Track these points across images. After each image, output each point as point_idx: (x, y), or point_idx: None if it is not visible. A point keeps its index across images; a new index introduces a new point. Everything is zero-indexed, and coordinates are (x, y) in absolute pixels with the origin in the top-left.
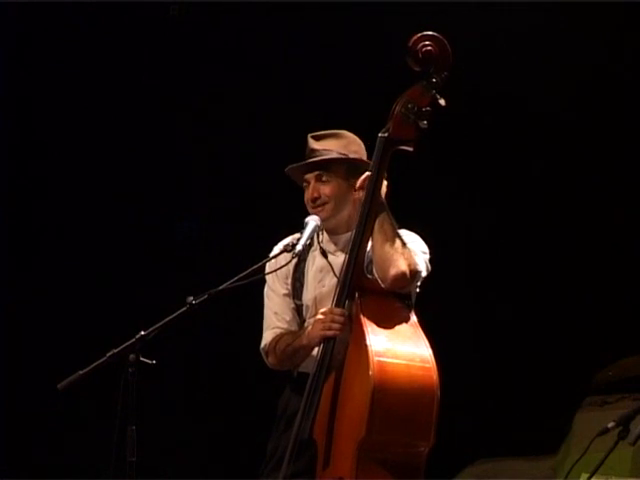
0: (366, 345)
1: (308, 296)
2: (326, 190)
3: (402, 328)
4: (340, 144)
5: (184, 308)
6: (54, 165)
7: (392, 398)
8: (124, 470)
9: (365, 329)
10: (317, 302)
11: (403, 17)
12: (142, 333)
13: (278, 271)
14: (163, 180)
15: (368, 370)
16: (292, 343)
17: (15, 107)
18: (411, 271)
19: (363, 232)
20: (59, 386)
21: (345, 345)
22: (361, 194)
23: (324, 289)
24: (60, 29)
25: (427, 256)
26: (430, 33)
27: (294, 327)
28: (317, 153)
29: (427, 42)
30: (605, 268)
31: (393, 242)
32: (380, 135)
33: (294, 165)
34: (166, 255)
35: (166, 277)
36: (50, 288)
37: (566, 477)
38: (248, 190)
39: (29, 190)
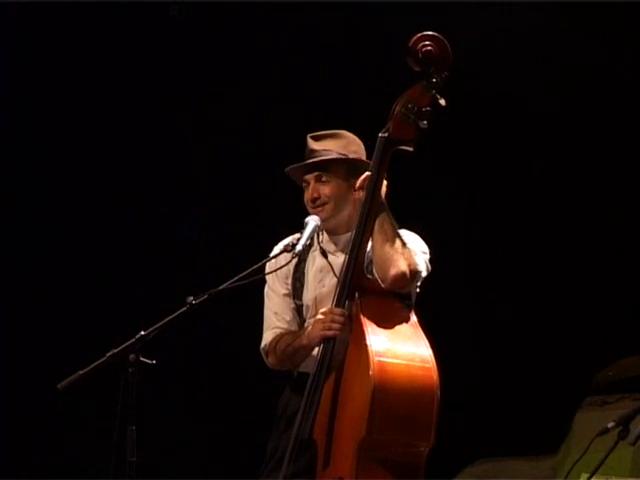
0: (366, 345)
1: (308, 296)
2: (326, 190)
3: (402, 328)
4: (340, 144)
5: (184, 308)
6: (54, 165)
7: (392, 398)
8: (124, 470)
9: (365, 329)
10: (317, 302)
11: (403, 17)
12: (142, 333)
13: (278, 271)
14: (163, 180)
15: (368, 370)
16: (292, 343)
17: (15, 107)
18: (411, 271)
19: (363, 232)
20: (59, 386)
21: (345, 345)
22: (361, 194)
23: (324, 289)
24: (60, 29)
25: (427, 256)
26: (430, 33)
27: (294, 327)
28: (317, 153)
29: (427, 42)
30: (605, 268)
31: (393, 242)
32: (380, 135)
33: (294, 166)
34: (166, 255)
35: (166, 277)
36: (50, 288)
37: (566, 477)
38: (248, 190)
39: (29, 190)
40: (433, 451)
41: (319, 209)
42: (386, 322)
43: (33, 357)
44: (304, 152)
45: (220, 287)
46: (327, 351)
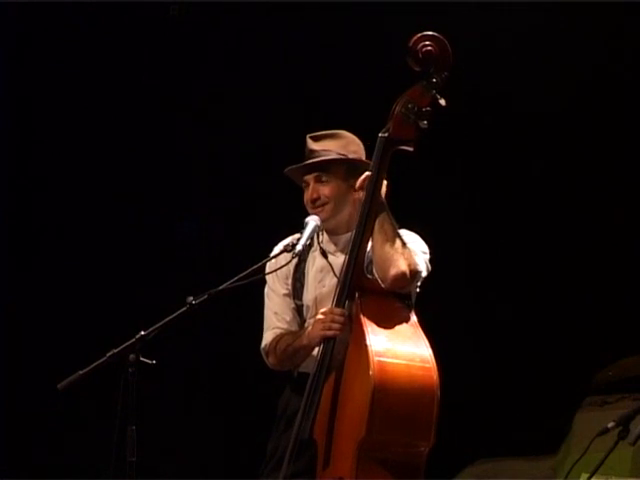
0: (366, 345)
1: (308, 296)
2: (325, 191)
3: (402, 328)
4: (339, 144)
5: (184, 308)
6: (54, 165)
7: (392, 398)
8: (124, 470)
9: (365, 329)
10: (317, 302)
11: (403, 17)
12: (142, 333)
13: (278, 271)
14: (163, 180)
15: (368, 370)
16: (292, 343)
17: (15, 107)
18: (411, 271)
19: (363, 232)
20: (59, 386)
21: (345, 345)
22: (361, 194)
23: (324, 289)
24: (60, 29)
25: (427, 256)
26: (430, 33)
27: (294, 327)
28: (316, 154)
29: (427, 42)
30: (605, 268)
31: (393, 242)
32: (380, 135)
33: (293, 167)
34: (166, 255)
35: (166, 277)
36: (50, 288)
37: (566, 477)
38: (248, 190)
39: (29, 190)
40: (433, 451)
41: (319, 209)
42: (386, 322)
43: (33, 357)
44: (304, 152)
45: (220, 287)
46: (327, 351)
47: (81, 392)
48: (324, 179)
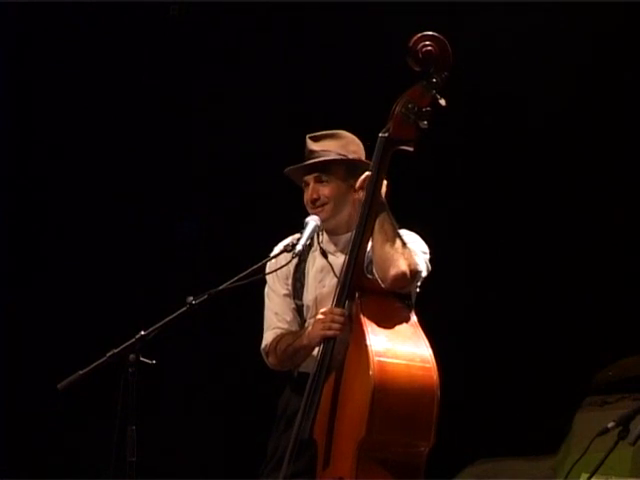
0: (366, 345)
1: (309, 296)
2: (325, 191)
3: (402, 328)
4: (339, 144)
5: (184, 308)
6: (54, 165)
7: (392, 398)
8: (124, 470)
9: (365, 329)
10: (317, 302)
11: (403, 17)
12: (142, 333)
13: (278, 271)
14: (163, 180)
15: (368, 370)
16: (293, 343)
17: (15, 107)
18: (411, 271)
19: (363, 232)
20: (59, 386)
21: (345, 345)
22: (361, 194)
23: (324, 289)
24: (60, 29)
25: (427, 256)
26: (430, 33)
27: (295, 327)
28: (316, 154)
29: (427, 42)
30: (605, 268)
31: (393, 242)
32: (380, 135)
33: (293, 167)
34: (166, 255)
35: (166, 277)
36: (50, 288)
37: (566, 477)
38: (248, 190)
39: (29, 190)
40: (433, 451)
41: (319, 210)
42: (386, 322)
43: (33, 357)
44: (303, 153)
45: (220, 287)
46: (327, 351)
47: (81, 392)
48: (324, 179)
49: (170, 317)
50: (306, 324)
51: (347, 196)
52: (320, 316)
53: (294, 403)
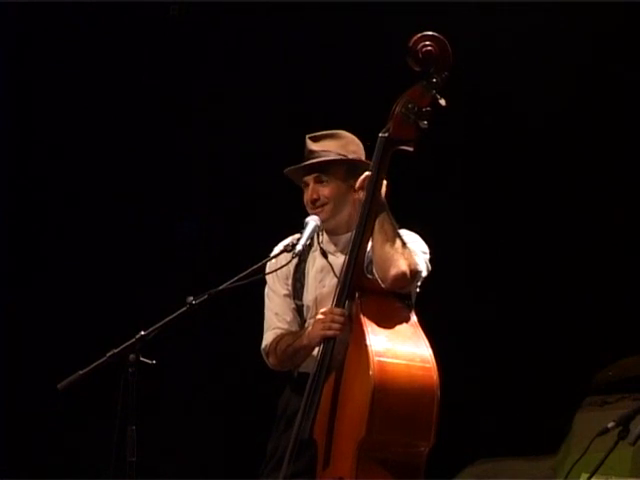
0: (366, 345)
1: (309, 297)
2: (325, 191)
3: (402, 328)
4: (338, 144)
5: (184, 308)
6: (54, 165)
7: (392, 398)
8: (124, 470)
9: (365, 329)
10: (318, 302)
11: (403, 17)
12: (142, 333)
13: (278, 271)
14: (163, 180)
15: (368, 370)
16: (292, 343)
17: (15, 107)
18: (411, 271)
19: (363, 232)
20: (59, 386)
21: (345, 345)
22: (361, 194)
23: (324, 289)
24: (60, 29)
25: (427, 256)
26: (430, 33)
27: (295, 328)
28: (315, 155)
29: (427, 42)
30: (605, 268)
31: (393, 242)
32: (380, 135)
33: (293, 167)
34: (166, 255)
35: (166, 277)
36: (50, 288)
37: (566, 477)
38: (248, 190)
39: (29, 190)
40: (433, 451)
41: (319, 210)
42: (386, 322)
43: (33, 357)
44: (303, 153)
45: (220, 287)
46: (327, 351)
47: (81, 392)
48: (324, 180)
49: (170, 317)
50: (306, 324)
51: (347, 196)
52: (320, 316)
53: (294, 403)
